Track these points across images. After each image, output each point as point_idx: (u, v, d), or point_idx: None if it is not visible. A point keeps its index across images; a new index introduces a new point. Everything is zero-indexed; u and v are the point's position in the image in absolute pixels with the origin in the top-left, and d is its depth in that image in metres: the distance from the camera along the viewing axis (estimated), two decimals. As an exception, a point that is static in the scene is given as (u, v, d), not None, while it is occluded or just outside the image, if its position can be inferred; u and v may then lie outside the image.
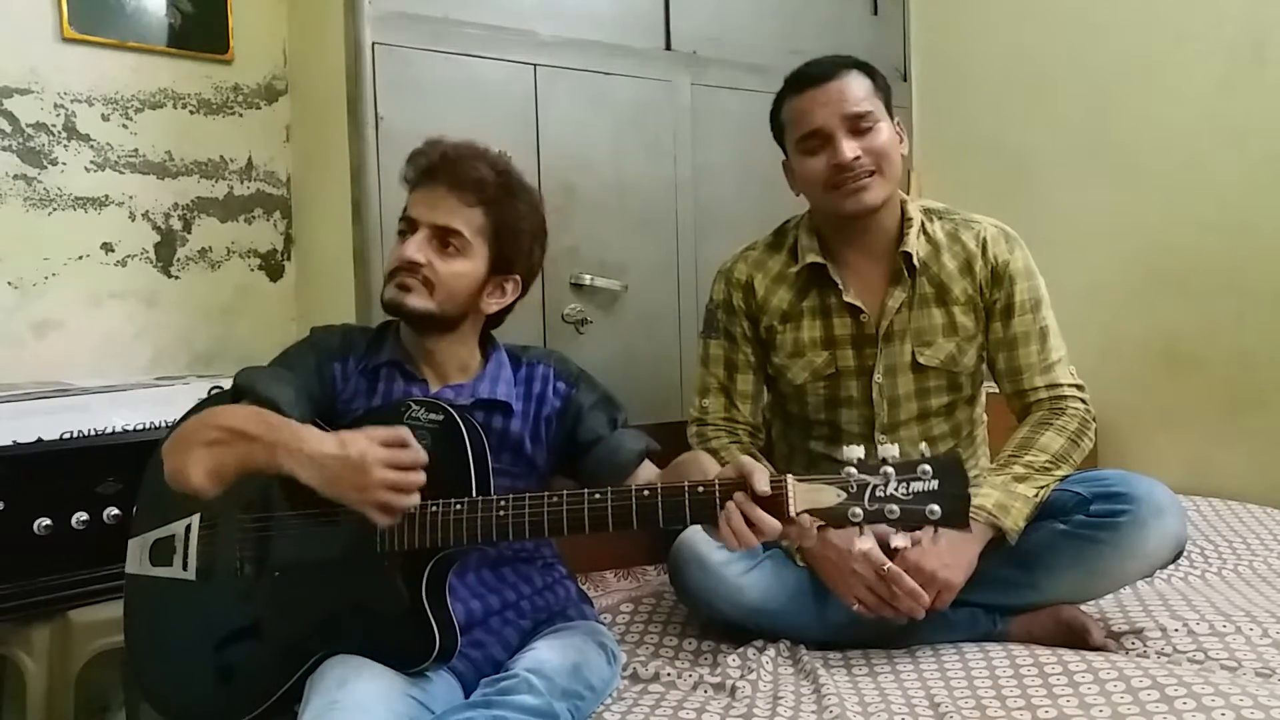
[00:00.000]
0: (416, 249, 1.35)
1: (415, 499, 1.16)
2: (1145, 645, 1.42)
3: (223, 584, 1.29)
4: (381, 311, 1.45)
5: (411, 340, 1.42)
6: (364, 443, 1.16)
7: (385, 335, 1.44)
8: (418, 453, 1.17)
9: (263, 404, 1.27)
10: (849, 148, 1.51)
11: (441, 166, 1.38)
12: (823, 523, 1.12)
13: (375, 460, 1.14)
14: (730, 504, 1.12)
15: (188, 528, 1.33)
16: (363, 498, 1.15)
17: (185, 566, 1.32)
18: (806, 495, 1.11)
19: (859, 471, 1.10)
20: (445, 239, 1.36)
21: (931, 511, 1.08)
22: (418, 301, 1.36)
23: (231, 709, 1.25)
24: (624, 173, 2.11)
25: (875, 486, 1.10)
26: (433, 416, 1.25)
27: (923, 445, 1.15)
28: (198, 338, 2.13)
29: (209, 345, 2.14)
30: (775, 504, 1.12)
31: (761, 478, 1.11)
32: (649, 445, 1.41)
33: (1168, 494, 1.45)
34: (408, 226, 1.38)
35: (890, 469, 1.10)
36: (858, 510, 1.10)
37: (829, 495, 1.11)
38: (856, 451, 1.11)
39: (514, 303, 1.46)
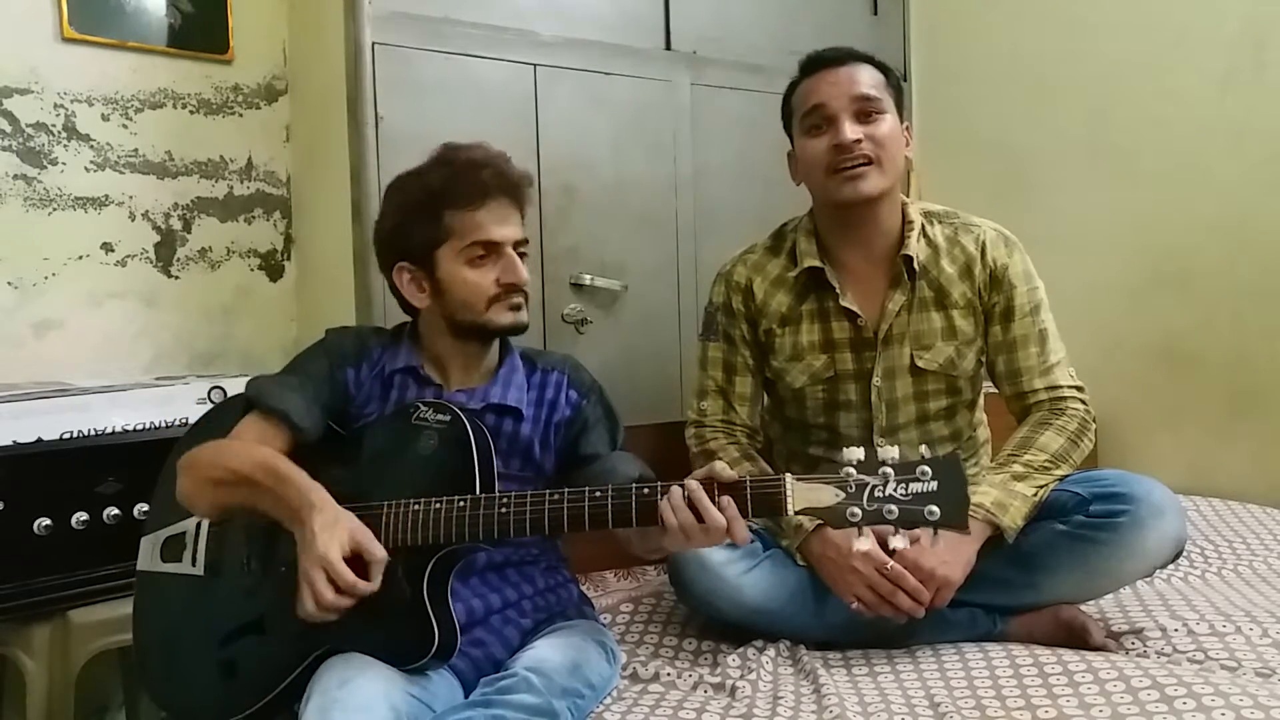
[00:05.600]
0: (523, 268, 1.38)
1: (330, 618, 1.15)
2: (1145, 645, 1.42)
3: (230, 579, 1.31)
4: (382, 313, 1.45)
5: (439, 345, 1.41)
6: (336, 543, 1.14)
7: (400, 340, 1.44)
8: (365, 585, 1.15)
9: (273, 415, 1.30)
10: (851, 130, 1.51)
11: (497, 181, 1.37)
12: (821, 522, 1.12)
13: (322, 569, 1.13)
14: (664, 503, 1.14)
15: (198, 524, 1.34)
16: (304, 581, 1.15)
17: (194, 562, 1.33)
18: (805, 494, 1.11)
19: (858, 472, 1.11)
20: (519, 249, 1.39)
21: (930, 513, 1.08)
22: (526, 315, 1.40)
23: (233, 704, 1.26)
24: (624, 173, 2.11)
25: (874, 487, 1.10)
26: (440, 417, 1.27)
27: (923, 447, 1.16)
28: (198, 338, 2.13)
29: (209, 345, 2.14)
30: (773, 503, 1.12)
31: (724, 468, 1.15)
32: (643, 472, 1.41)
33: (1167, 494, 1.45)
34: (488, 250, 1.36)
35: (889, 469, 1.10)
36: (856, 510, 1.10)
37: (827, 495, 1.11)
38: (856, 453, 1.11)
39: None
